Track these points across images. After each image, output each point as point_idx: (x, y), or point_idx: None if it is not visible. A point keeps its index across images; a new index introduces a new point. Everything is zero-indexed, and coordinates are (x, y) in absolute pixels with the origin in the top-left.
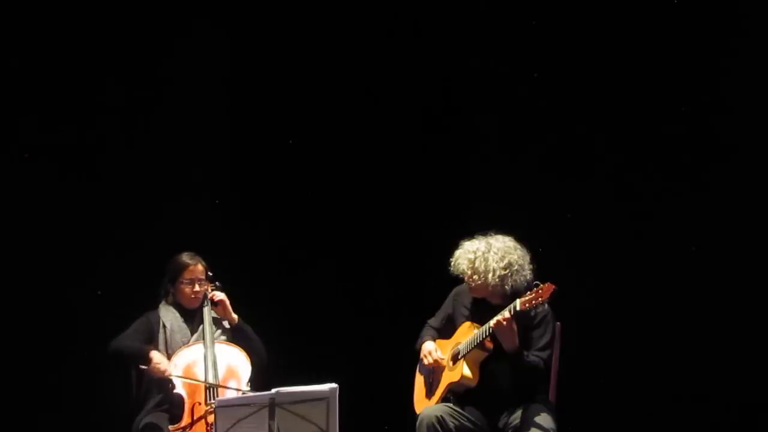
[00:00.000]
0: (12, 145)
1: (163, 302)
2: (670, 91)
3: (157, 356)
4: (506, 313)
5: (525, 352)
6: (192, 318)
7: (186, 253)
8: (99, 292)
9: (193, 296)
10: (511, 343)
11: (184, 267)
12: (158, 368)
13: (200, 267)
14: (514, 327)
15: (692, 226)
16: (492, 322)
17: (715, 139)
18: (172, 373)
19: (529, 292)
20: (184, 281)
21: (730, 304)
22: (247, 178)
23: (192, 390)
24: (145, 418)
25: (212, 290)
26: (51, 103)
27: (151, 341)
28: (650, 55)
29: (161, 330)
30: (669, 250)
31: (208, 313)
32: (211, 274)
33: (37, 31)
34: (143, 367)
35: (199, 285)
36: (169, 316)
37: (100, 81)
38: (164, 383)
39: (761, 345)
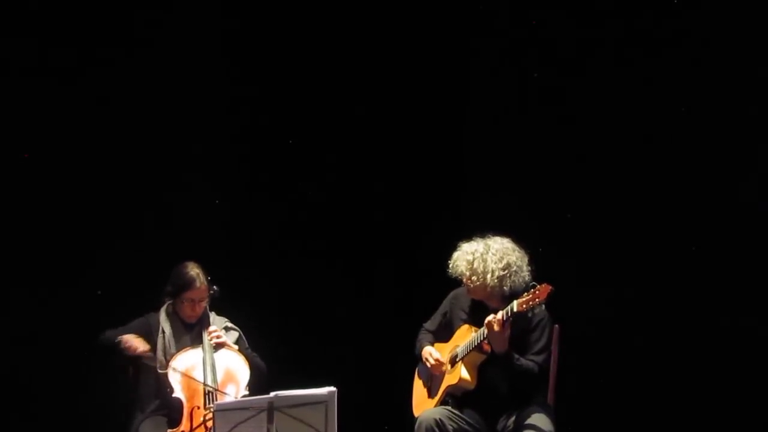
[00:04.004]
0: (12, 145)
1: (164, 308)
2: (670, 92)
3: (128, 335)
4: (499, 315)
5: (516, 356)
6: (191, 327)
7: (192, 268)
8: (99, 292)
9: (192, 314)
10: (500, 345)
11: (188, 286)
12: (131, 344)
13: (203, 287)
14: (505, 330)
15: (692, 226)
16: (485, 324)
17: (717, 139)
18: (141, 348)
19: (526, 293)
20: (186, 300)
21: (730, 304)
22: (246, 179)
23: (191, 394)
24: (143, 422)
25: (217, 328)
26: (52, 100)
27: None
28: (650, 55)
29: (160, 335)
30: (669, 250)
31: (206, 325)
32: (209, 278)
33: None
34: (117, 339)
35: (200, 305)
36: (168, 323)
37: (100, 80)
38: (163, 387)
39: (761, 345)
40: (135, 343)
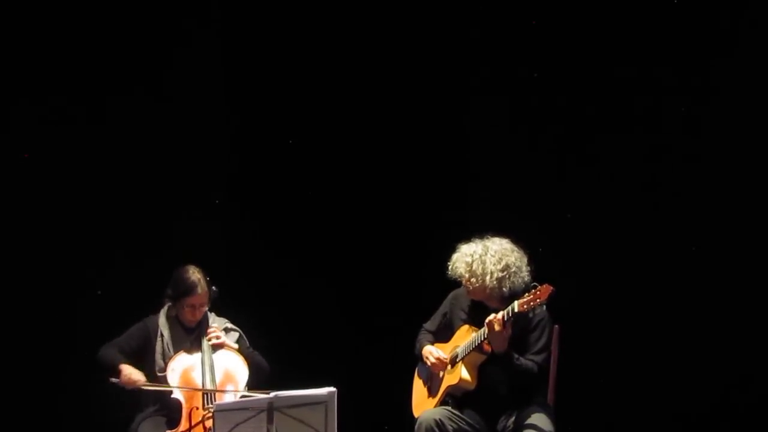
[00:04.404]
0: (14, 146)
1: (164, 310)
2: (670, 92)
3: (126, 369)
4: (499, 315)
5: (515, 355)
6: (191, 330)
7: (193, 273)
8: (99, 292)
9: (192, 319)
10: (500, 345)
11: (189, 292)
12: (129, 378)
13: (204, 294)
14: (506, 329)
15: (692, 226)
16: (486, 324)
17: (716, 139)
18: (144, 382)
19: (527, 294)
20: (186, 305)
21: (730, 304)
22: (245, 180)
23: (190, 395)
24: (142, 423)
25: (216, 329)
26: (51, 102)
27: (143, 348)
28: (650, 55)
29: (158, 339)
30: (669, 250)
31: (205, 326)
32: (208, 278)
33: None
34: (114, 380)
35: (200, 310)
36: (167, 325)
37: (100, 84)
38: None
39: (761, 345)
40: (133, 377)
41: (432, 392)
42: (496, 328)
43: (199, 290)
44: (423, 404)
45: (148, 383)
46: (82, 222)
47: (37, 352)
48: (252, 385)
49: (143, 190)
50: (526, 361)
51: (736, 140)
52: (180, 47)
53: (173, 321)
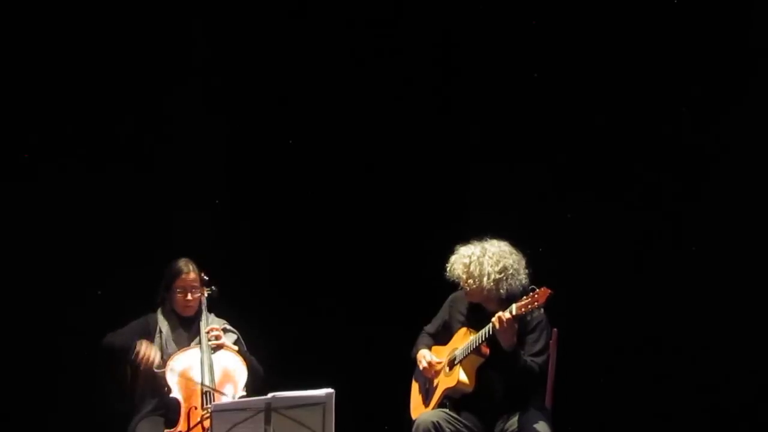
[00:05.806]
0: (17, 149)
1: (161, 308)
2: (670, 92)
3: (144, 344)
4: (507, 314)
5: (522, 352)
6: (189, 326)
7: (181, 260)
8: (99, 292)
9: (185, 304)
10: (509, 341)
11: (177, 275)
12: (145, 356)
13: (193, 275)
14: (515, 325)
15: (692, 227)
16: (494, 320)
17: (715, 140)
18: (157, 361)
19: (525, 297)
20: (178, 289)
21: (730, 304)
22: (244, 182)
23: (188, 394)
24: (141, 423)
25: (218, 329)
26: (52, 108)
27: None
28: (649, 55)
29: (157, 335)
30: (668, 250)
31: (204, 325)
32: (206, 278)
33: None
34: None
35: (192, 294)
36: (165, 322)
37: (99, 86)
38: (160, 387)
39: (760, 345)
40: (150, 353)
41: (430, 394)
42: (505, 323)
43: (188, 270)
44: (421, 406)
45: (160, 370)
46: (81, 222)
47: (36, 353)
48: (247, 388)
49: (143, 191)
50: (529, 362)
51: (735, 140)
52: (179, 46)
53: (171, 317)
